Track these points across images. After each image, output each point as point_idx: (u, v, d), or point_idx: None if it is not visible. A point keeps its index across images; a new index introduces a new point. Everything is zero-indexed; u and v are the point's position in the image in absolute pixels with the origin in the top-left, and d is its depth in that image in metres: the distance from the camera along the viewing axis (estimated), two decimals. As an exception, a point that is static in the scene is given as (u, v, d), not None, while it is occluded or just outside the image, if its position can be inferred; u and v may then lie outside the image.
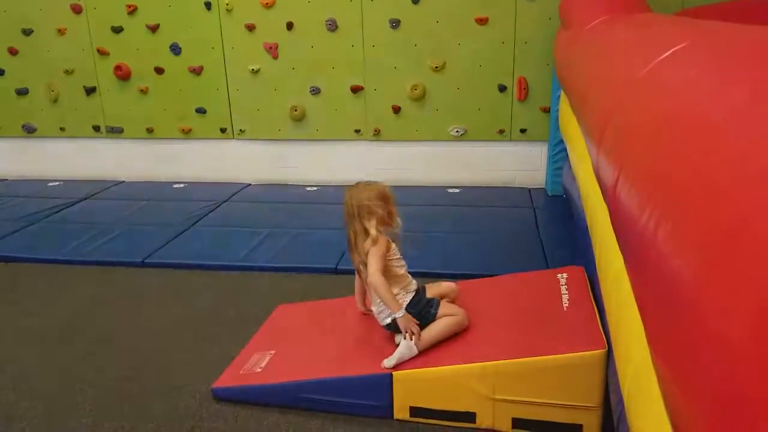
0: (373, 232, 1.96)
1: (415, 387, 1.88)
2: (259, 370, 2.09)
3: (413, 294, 2.03)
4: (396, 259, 2.03)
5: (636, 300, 1.04)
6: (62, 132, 4.76)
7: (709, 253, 0.67)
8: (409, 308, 1.97)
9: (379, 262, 1.92)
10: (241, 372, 2.10)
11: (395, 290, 1.97)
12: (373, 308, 2.06)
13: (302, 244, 3.30)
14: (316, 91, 4.29)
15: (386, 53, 4.13)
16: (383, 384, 1.89)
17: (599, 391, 1.74)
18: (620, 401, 1.43)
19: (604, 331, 1.79)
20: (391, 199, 2.04)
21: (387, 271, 1.96)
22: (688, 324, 0.69)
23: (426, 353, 1.95)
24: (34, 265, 3.22)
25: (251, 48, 4.27)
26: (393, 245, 2.02)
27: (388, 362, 1.89)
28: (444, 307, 2.02)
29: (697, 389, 0.66)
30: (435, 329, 1.96)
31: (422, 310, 1.99)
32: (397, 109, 4.22)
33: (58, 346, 2.41)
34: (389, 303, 1.91)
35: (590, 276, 2.20)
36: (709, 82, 0.93)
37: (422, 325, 1.96)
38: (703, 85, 0.94)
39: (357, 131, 4.34)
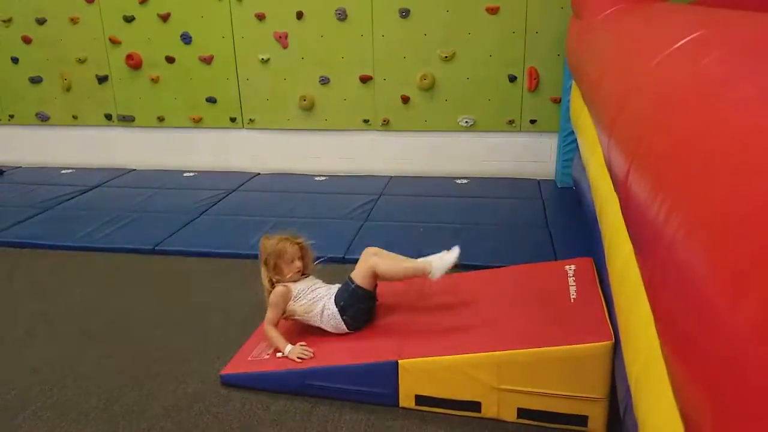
0: (265, 284, 2.16)
1: (421, 375, 1.89)
2: (267, 356, 2.11)
3: (334, 294, 2.12)
4: (306, 293, 2.14)
5: (646, 290, 1.04)
6: (75, 120, 4.80)
7: (720, 243, 0.66)
8: (339, 301, 2.09)
9: (272, 312, 2.11)
10: (249, 359, 2.12)
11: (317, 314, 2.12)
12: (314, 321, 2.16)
13: (310, 233, 3.29)
14: (325, 80, 4.29)
15: (396, 43, 4.11)
16: (389, 372, 1.90)
17: (605, 382, 1.74)
18: (627, 393, 1.43)
19: (612, 323, 1.78)
20: (284, 254, 2.15)
21: (304, 311, 2.12)
22: (699, 314, 0.68)
23: (432, 342, 1.96)
24: (47, 251, 3.26)
25: (261, 37, 4.27)
26: (297, 288, 2.15)
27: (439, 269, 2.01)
28: (358, 274, 2.10)
29: (708, 379, 0.66)
30: (391, 271, 2.07)
31: (348, 294, 2.10)
32: (406, 99, 4.21)
33: (70, 332, 2.44)
34: (277, 345, 2.07)
35: (599, 268, 2.19)
36: (723, 72, 0.92)
37: (363, 306, 2.11)
38: (716, 74, 0.93)
39: (366, 121, 4.33)
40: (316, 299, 2.13)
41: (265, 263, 2.16)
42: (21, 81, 4.77)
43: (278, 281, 2.15)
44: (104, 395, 2.02)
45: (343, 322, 2.11)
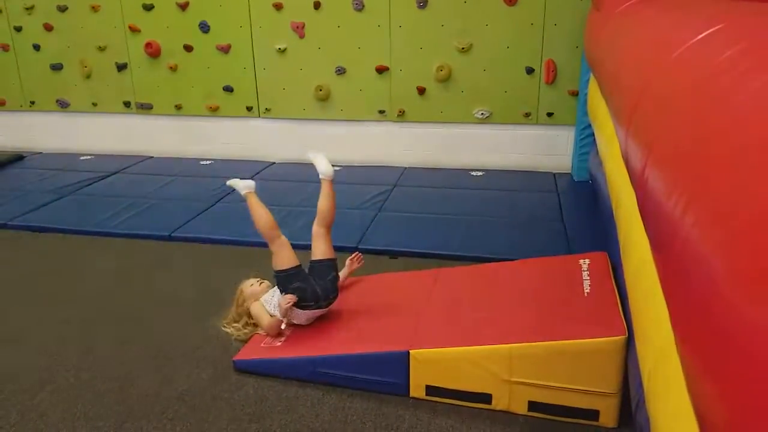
0: (231, 328, 2.29)
1: (432, 366, 1.89)
2: (279, 344, 2.13)
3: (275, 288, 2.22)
4: (269, 302, 2.24)
5: (662, 285, 1.03)
6: (94, 107, 4.86)
7: (738, 238, 0.66)
8: (281, 292, 2.15)
9: (262, 321, 2.20)
10: (262, 345, 2.15)
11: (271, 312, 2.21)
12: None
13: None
14: (341, 71, 4.28)
15: (412, 33, 4.09)
16: (400, 362, 1.91)
17: (618, 377, 1.74)
18: (639, 388, 1.43)
19: (626, 318, 1.77)
20: (245, 287, 2.34)
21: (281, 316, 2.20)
22: (715, 309, 0.68)
23: (443, 333, 1.97)
24: (65, 236, 3.32)
25: (278, 27, 4.28)
26: (262, 299, 2.26)
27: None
28: (273, 260, 2.18)
29: (723, 374, 0.65)
30: (258, 209, 2.24)
31: (278, 282, 2.15)
32: (422, 90, 4.19)
33: (87, 316, 2.49)
34: (278, 328, 2.18)
35: (613, 262, 2.18)
36: (743, 65, 0.90)
37: (299, 284, 2.11)
38: (737, 68, 0.91)
39: (381, 112, 4.33)
40: (276, 303, 2.20)
41: (237, 304, 2.31)
42: (42, 68, 4.84)
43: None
44: (120, 378, 2.06)
45: (301, 309, 2.13)
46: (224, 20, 4.35)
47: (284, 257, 2.14)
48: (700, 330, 0.74)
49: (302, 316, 2.15)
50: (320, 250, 2.22)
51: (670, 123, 1.04)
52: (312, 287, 2.12)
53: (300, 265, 2.15)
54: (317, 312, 2.17)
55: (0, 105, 5.05)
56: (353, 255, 2.54)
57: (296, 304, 2.10)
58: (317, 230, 2.26)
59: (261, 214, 2.23)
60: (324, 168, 2.30)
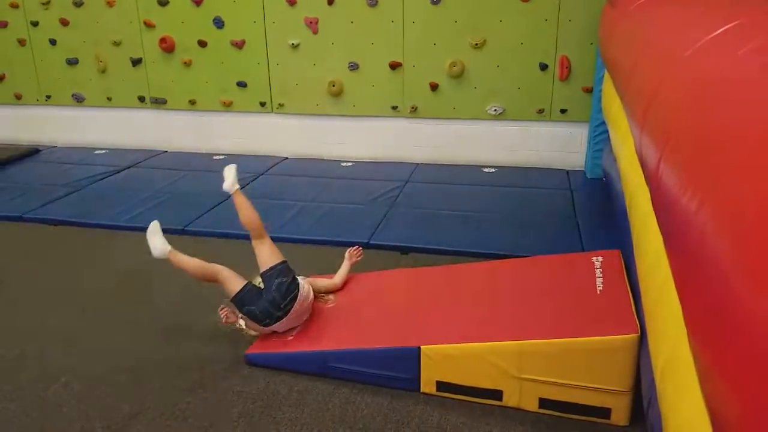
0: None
1: (443, 362, 1.90)
2: (291, 338, 2.15)
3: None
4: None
5: (675, 282, 1.03)
6: (109, 102, 4.91)
7: (751, 235, 0.65)
8: (238, 310, 2.15)
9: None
10: (273, 339, 2.16)
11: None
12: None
13: (336, 218, 3.34)
14: (354, 66, 4.29)
15: (426, 29, 4.08)
16: (411, 357, 1.92)
17: (630, 375, 1.73)
18: (651, 387, 1.42)
19: (638, 316, 1.76)
20: None
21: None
22: (728, 305, 0.68)
23: (455, 329, 1.98)
24: (80, 229, 3.36)
25: (292, 22, 4.29)
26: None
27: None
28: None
29: (736, 372, 0.65)
30: (185, 262, 2.24)
31: (240, 297, 2.12)
32: (434, 86, 4.18)
33: (100, 308, 2.52)
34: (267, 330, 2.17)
35: (627, 260, 2.16)
36: (758, 64, 0.89)
37: (251, 308, 2.10)
38: (752, 66, 0.91)
39: (394, 108, 4.32)
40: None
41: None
42: (58, 62, 4.89)
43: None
44: (132, 370, 2.09)
45: (265, 327, 2.12)
46: (238, 16, 4.37)
47: (231, 286, 2.12)
48: (712, 325, 0.74)
49: (275, 328, 2.14)
50: (262, 260, 2.18)
51: (684, 120, 1.04)
52: (261, 305, 2.09)
53: (248, 283, 2.13)
54: (283, 321, 2.12)
55: (16, 99, 5.12)
56: (352, 248, 2.55)
57: (258, 323, 2.12)
58: (253, 243, 2.23)
59: (193, 268, 2.22)
60: (224, 183, 2.32)
